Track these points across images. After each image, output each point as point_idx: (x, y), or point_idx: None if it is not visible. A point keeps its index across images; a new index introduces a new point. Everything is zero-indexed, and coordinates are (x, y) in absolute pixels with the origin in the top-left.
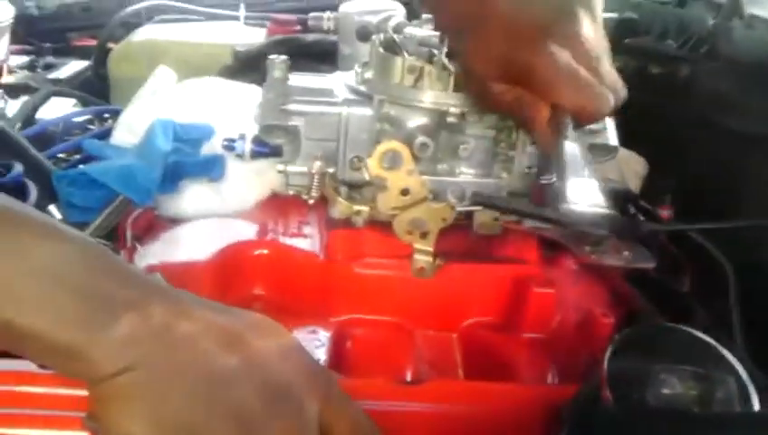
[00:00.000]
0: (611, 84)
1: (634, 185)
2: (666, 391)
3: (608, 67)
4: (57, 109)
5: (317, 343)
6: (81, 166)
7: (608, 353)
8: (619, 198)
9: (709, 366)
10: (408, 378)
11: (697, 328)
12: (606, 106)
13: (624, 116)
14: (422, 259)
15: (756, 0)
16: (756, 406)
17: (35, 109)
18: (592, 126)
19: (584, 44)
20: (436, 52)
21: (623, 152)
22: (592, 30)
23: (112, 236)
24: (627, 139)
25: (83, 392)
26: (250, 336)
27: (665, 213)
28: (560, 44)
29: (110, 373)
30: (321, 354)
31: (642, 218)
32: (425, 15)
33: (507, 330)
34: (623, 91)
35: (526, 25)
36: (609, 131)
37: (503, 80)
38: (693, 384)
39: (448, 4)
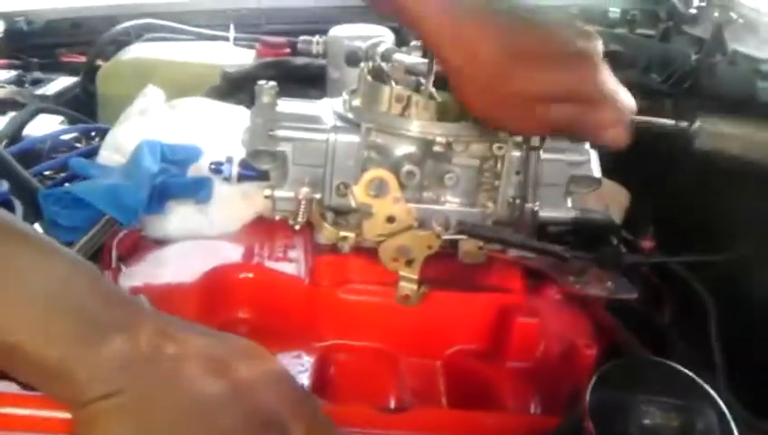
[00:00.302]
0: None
1: (616, 216)
2: (647, 422)
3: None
4: (44, 126)
5: (300, 367)
6: (66, 184)
7: (590, 385)
8: (602, 228)
9: (690, 398)
10: (392, 405)
11: (678, 361)
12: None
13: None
14: (407, 286)
15: (739, 37)
16: None
17: (22, 125)
18: (575, 157)
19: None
20: (423, 81)
21: (606, 183)
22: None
23: (97, 256)
24: (609, 171)
25: (67, 415)
26: (236, 362)
27: (647, 244)
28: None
29: (95, 396)
30: (305, 379)
31: (624, 250)
32: (413, 42)
33: (491, 358)
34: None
35: (570, 50)
36: (593, 163)
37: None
38: (674, 416)
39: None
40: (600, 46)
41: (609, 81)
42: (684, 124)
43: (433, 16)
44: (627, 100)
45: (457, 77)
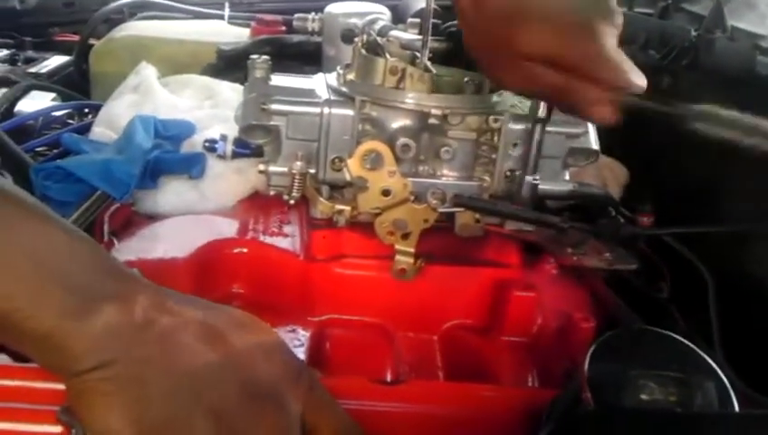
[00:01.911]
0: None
1: (615, 192)
2: (645, 395)
3: None
4: (37, 102)
5: (296, 342)
6: (58, 160)
7: (588, 356)
8: (600, 202)
9: (689, 371)
10: (388, 378)
11: (677, 334)
12: (640, 82)
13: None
14: (403, 260)
15: (739, 12)
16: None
17: (14, 102)
18: (573, 129)
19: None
20: (418, 54)
21: (604, 159)
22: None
23: (90, 231)
24: (608, 147)
25: (60, 386)
26: (233, 333)
27: (645, 220)
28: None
29: (89, 366)
30: (301, 353)
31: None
32: (410, 20)
33: (488, 333)
34: None
35: (568, 18)
36: (591, 135)
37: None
38: (673, 389)
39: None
40: (616, 22)
41: (610, 57)
42: (680, 109)
43: None
44: (631, 80)
45: (463, 17)
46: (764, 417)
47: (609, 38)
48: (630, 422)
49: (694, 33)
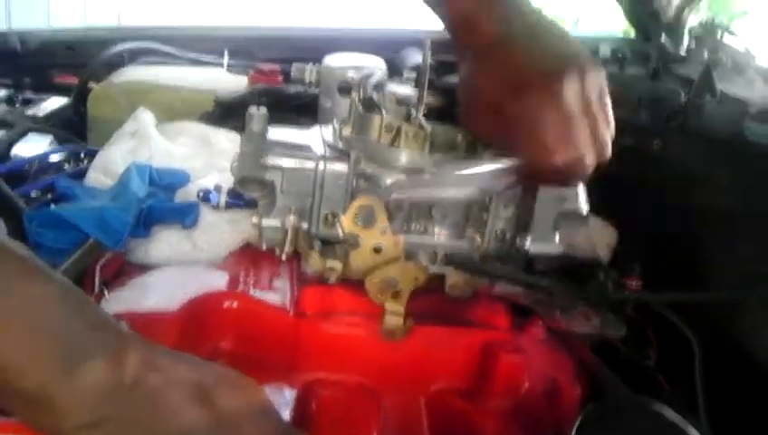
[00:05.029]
0: (600, 142)
1: (603, 254)
2: None
3: (600, 126)
4: (33, 145)
5: (282, 401)
6: (52, 206)
7: (575, 428)
8: (589, 265)
9: None
10: None
11: (662, 403)
12: (580, 169)
13: (596, 185)
14: (393, 320)
15: (727, 77)
16: None
17: (11, 144)
18: (563, 192)
19: (566, 103)
20: (413, 111)
21: (594, 221)
22: (583, 89)
23: (81, 279)
24: (598, 208)
25: None
26: (221, 393)
27: (633, 284)
28: (552, 100)
29: (77, 424)
30: (286, 413)
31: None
32: (406, 74)
33: (475, 396)
34: (605, 154)
35: (521, 74)
36: (580, 198)
37: (487, 115)
38: None
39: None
40: (590, 91)
41: (545, 130)
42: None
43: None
44: (575, 151)
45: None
46: None
47: (568, 107)
48: None
49: (684, 97)
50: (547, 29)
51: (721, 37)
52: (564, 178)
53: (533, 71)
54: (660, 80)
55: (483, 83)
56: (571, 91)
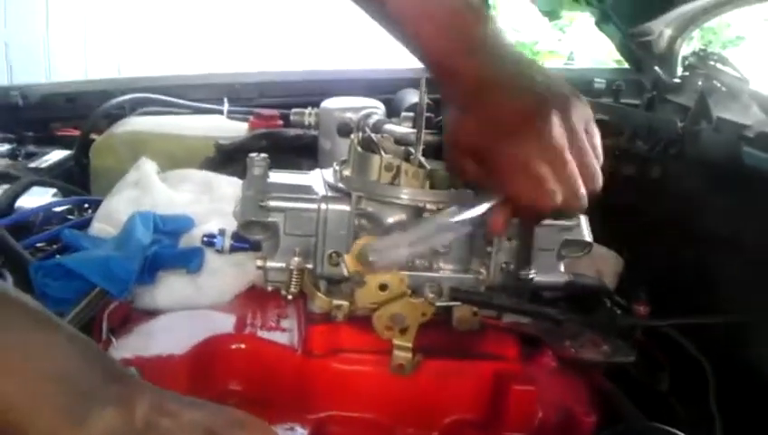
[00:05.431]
0: (590, 173)
1: (609, 282)
2: None
3: (588, 157)
4: (37, 198)
5: None
6: (58, 256)
7: None
8: (595, 293)
9: None
10: None
11: (678, 428)
12: (575, 203)
13: (599, 214)
14: (401, 355)
15: (723, 103)
16: None
17: (15, 197)
18: (566, 222)
19: (552, 141)
20: (412, 150)
21: (599, 249)
22: (568, 124)
23: (88, 328)
24: (602, 236)
25: None
26: None
27: (641, 309)
28: (538, 140)
29: None
30: None
31: (619, 313)
32: (404, 113)
33: (488, 428)
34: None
35: (505, 119)
36: (583, 227)
37: (473, 160)
38: None
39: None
40: (575, 124)
41: (527, 172)
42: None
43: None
44: (546, 195)
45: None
46: None
47: (551, 148)
48: None
49: (680, 125)
50: (527, 68)
51: (714, 65)
52: (561, 213)
53: (516, 113)
54: (656, 109)
55: (467, 128)
56: (555, 127)
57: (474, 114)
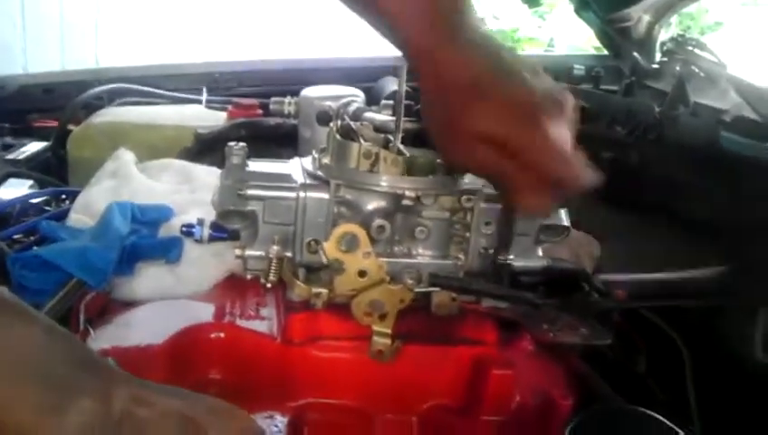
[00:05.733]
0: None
1: (588, 266)
2: None
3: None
4: (14, 190)
5: (274, 428)
6: (35, 248)
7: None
8: (573, 276)
9: None
10: None
11: (655, 409)
12: (585, 179)
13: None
14: (380, 341)
15: (701, 88)
16: None
17: None
18: None
19: (563, 129)
20: (391, 138)
21: (576, 234)
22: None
23: (66, 319)
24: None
25: None
26: (211, 424)
27: (620, 293)
28: (555, 126)
29: None
30: None
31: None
32: (383, 101)
33: (467, 413)
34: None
35: (520, 104)
36: (561, 212)
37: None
38: None
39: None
40: (566, 115)
41: (553, 148)
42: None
43: (415, 36)
44: (572, 175)
45: (423, 89)
46: None
47: (559, 129)
48: None
49: (658, 110)
50: (517, 63)
51: (692, 50)
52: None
53: (532, 97)
54: (634, 94)
55: (482, 114)
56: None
57: (492, 100)
